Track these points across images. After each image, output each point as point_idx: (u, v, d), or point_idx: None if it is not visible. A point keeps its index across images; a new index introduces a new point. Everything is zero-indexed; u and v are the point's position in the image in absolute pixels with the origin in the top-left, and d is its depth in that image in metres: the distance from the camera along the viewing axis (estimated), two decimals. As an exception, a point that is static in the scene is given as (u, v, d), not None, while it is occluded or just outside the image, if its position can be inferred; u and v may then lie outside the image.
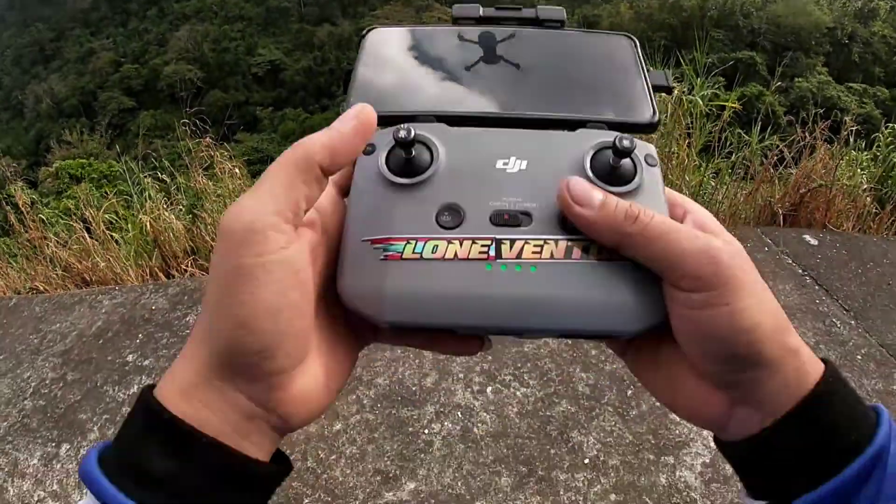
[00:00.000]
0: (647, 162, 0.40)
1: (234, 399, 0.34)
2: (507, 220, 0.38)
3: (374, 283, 0.37)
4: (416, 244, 0.37)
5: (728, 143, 3.72)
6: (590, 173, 0.39)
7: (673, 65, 4.02)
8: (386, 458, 1.92)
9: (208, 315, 0.34)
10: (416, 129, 0.39)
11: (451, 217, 0.38)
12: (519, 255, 0.37)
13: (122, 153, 4.20)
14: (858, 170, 3.70)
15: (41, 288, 3.46)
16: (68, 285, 3.48)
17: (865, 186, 3.53)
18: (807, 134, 3.52)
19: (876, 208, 3.52)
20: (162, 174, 4.11)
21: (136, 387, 2.34)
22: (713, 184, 3.66)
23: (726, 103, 3.62)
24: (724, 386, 0.36)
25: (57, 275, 3.58)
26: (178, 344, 2.52)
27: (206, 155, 3.81)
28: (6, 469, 2.09)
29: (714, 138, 3.59)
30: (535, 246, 0.37)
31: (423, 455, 1.92)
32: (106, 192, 4.45)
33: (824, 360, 0.37)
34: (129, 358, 2.50)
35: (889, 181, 3.67)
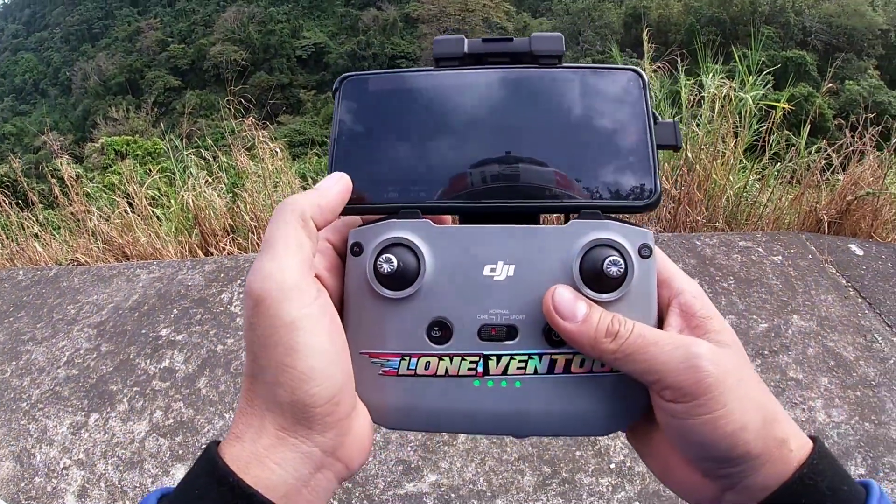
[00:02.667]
0: (640, 254, 0.39)
1: (309, 453, 0.36)
2: (494, 334, 0.39)
3: (376, 397, 0.40)
4: (409, 360, 0.40)
5: (776, 144, 3.61)
6: (578, 280, 0.39)
7: (721, 61, 3.91)
8: (409, 449, 1.92)
9: (270, 377, 0.35)
10: (400, 236, 0.40)
11: (440, 332, 0.40)
12: (505, 371, 0.39)
13: (167, 131, 4.29)
14: (909, 179, 3.55)
15: (82, 260, 3.55)
16: (108, 258, 3.57)
17: (916, 196, 3.38)
18: (856, 139, 3.39)
19: (926, 220, 3.38)
20: (205, 153, 4.18)
21: (167, 361, 2.38)
22: (758, 186, 3.56)
23: (777, 103, 3.51)
24: (712, 477, 0.37)
25: (98, 248, 3.68)
26: (211, 321, 2.56)
27: (249, 135, 3.85)
28: (35, 435, 2.15)
29: (762, 139, 3.49)
30: (519, 361, 0.39)
31: (446, 448, 1.92)
32: (150, 169, 4.54)
33: (813, 439, 0.37)
34: (163, 332, 2.54)
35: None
